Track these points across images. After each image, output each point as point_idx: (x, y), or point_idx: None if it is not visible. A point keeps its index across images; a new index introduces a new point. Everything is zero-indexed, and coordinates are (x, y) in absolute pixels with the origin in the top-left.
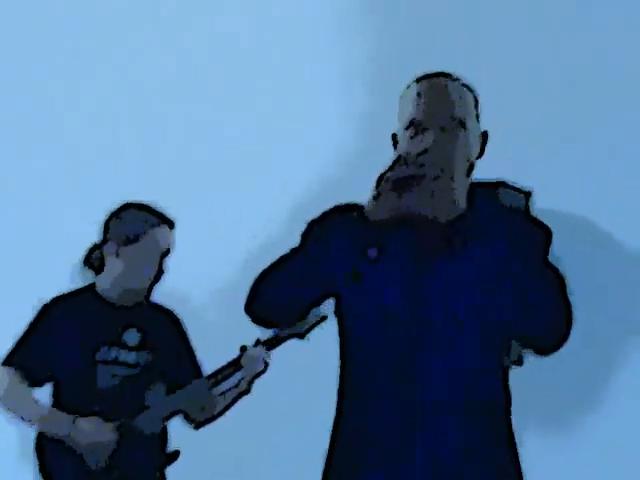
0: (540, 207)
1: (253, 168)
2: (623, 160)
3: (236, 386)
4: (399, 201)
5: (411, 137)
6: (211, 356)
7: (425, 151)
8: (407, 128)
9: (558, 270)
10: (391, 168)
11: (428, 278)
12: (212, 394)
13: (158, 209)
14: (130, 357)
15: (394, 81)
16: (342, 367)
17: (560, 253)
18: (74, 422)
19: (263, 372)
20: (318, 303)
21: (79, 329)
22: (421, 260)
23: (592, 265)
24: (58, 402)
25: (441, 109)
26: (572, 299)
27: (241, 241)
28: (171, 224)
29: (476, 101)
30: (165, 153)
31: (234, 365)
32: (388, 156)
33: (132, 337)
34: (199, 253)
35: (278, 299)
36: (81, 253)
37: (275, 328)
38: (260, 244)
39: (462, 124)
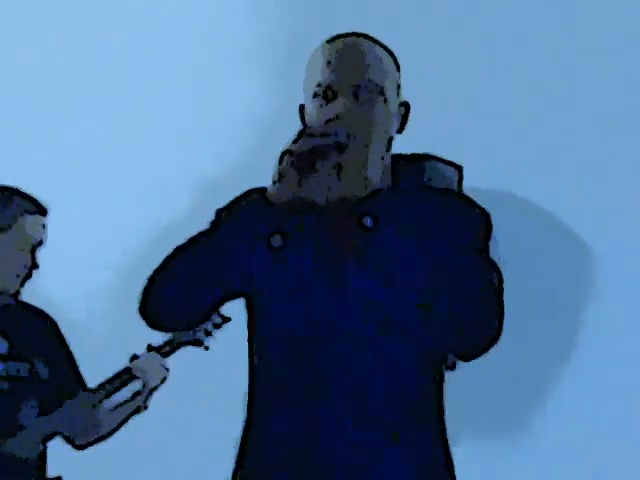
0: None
1: (153, 148)
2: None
3: (130, 400)
4: (302, 181)
5: (320, 106)
6: (95, 366)
7: (334, 119)
8: (315, 96)
9: (496, 265)
10: (295, 141)
11: (336, 271)
12: (97, 411)
13: (29, 194)
14: None
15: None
16: (251, 371)
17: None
18: None
19: (162, 383)
20: (222, 303)
21: None
22: (328, 250)
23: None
24: None
25: (354, 73)
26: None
27: (138, 230)
28: (43, 211)
29: (397, 68)
30: (48, 134)
31: (124, 375)
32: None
33: None
34: (89, 244)
35: (175, 299)
36: None
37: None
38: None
39: (380, 91)
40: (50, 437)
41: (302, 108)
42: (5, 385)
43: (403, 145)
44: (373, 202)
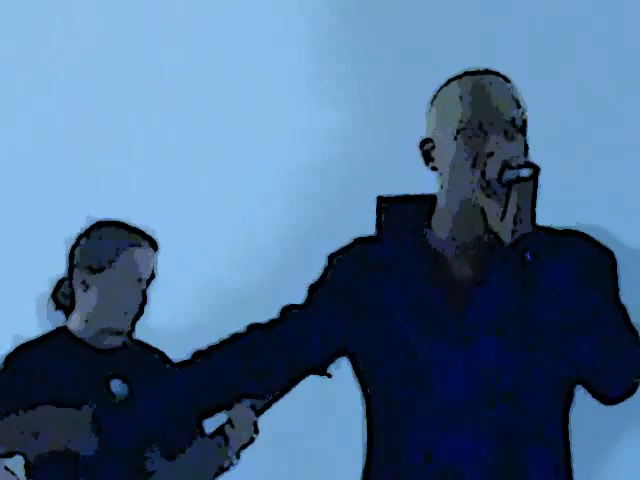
0: None
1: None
2: None
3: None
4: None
5: (466, 143)
6: None
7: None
8: (460, 130)
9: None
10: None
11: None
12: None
13: (137, 227)
14: None
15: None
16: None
17: None
18: None
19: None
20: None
21: (53, 383)
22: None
23: None
24: (33, 474)
25: (504, 111)
26: None
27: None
28: (154, 243)
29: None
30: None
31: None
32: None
33: (119, 389)
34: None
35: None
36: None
37: None
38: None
39: (523, 129)
40: None
41: (427, 141)
42: None
43: None
44: (525, 242)
